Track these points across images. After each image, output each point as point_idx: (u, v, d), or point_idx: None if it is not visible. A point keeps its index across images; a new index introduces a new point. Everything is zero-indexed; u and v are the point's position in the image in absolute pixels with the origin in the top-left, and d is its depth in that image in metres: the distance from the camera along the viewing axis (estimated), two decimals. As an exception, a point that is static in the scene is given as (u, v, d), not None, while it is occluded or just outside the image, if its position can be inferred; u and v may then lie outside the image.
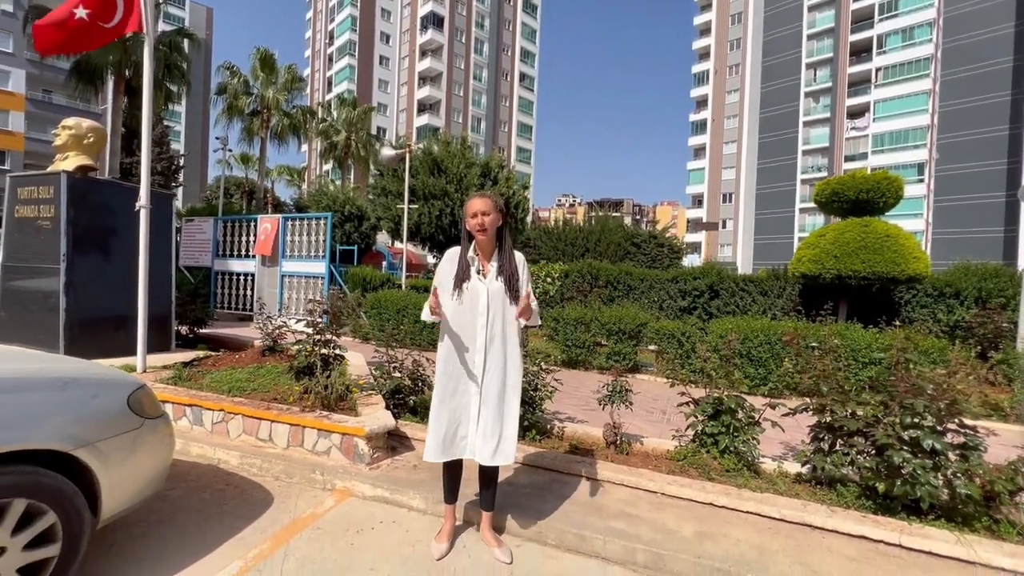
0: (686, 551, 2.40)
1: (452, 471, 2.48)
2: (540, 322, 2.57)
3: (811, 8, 45.44)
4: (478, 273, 2.38)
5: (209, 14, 60.62)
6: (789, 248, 40.24)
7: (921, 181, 38.27)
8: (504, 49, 57.94)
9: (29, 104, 33.71)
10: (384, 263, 21.35)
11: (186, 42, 18.31)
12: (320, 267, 9.64)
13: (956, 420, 2.67)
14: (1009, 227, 34.01)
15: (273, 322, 5.08)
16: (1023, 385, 5.84)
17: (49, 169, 5.12)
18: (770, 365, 6.15)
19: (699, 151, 54.20)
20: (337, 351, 4.16)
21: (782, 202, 46.52)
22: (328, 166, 39.04)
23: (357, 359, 5.16)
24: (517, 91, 58.77)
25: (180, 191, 37.22)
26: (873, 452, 2.80)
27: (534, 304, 2.41)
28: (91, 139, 5.27)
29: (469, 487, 2.71)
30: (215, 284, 11.08)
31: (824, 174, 41.98)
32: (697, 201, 54.43)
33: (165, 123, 30.37)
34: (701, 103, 54.19)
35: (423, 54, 53.11)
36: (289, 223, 10.15)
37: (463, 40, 54.25)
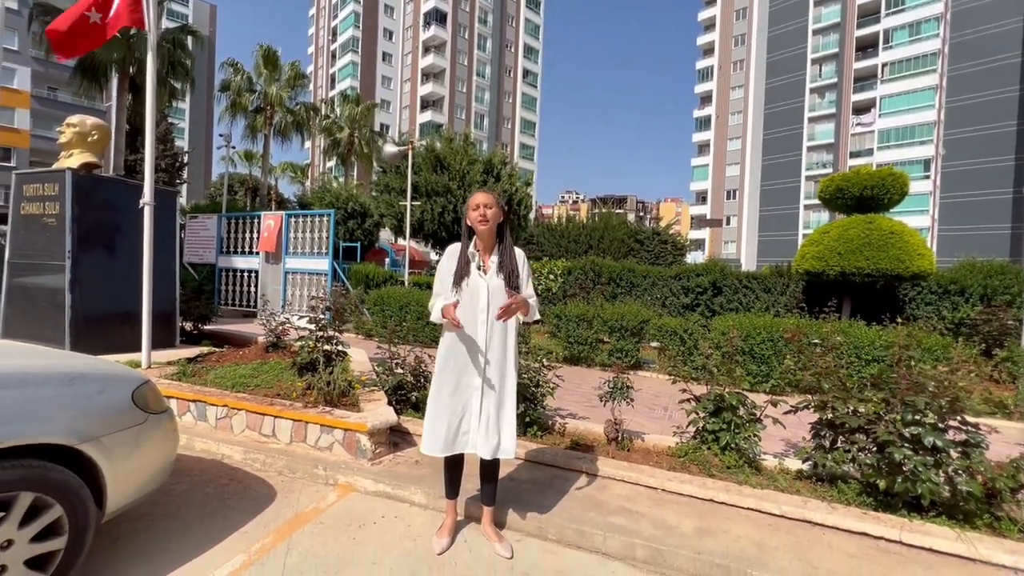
0: (686, 547, 2.41)
1: (453, 466, 2.49)
2: (539, 317, 2.58)
3: (817, 3, 45.04)
4: (479, 269, 2.39)
5: (212, 11, 60.62)
6: (793, 245, 40.03)
7: (927, 177, 37.98)
8: (507, 45, 57.74)
9: (34, 101, 33.84)
10: (387, 260, 21.40)
11: (189, 39, 18.33)
12: (323, 264, 9.67)
13: (958, 417, 2.67)
14: (1016, 224, 33.75)
15: (276, 318, 5.11)
16: (1028, 383, 5.81)
17: (54, 166, 5.16)
18: (772, 362, 6.14)
19: (703, 147, 53.96)
20: (340, 347, 4.18)
21: (787, 199, 46.27)
22: (331, 163, 39.08)
23: (360, 356, 5.18)
24: (520, 87, 58.59)
25: (184, 188, 37.37)
26: (874, 449, 2.80)
27: (533, 300, 2.42)
28: (95, 136, 5.30)
29: (470, 482, 2.73)
30: (219, 281, 11.14)
31: (829, 170, 41.74)
32: (701, 198, 54.21)
33: (169, 120, 30.47)
34: (705, 99, 53.90)
35: (426, 50, 52.99)
36: (292, 220, 10.18)
37: (466, 36, 54.10)
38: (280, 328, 5.06)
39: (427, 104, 53.29)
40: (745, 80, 50.00)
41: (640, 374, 7.09)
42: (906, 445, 2.60)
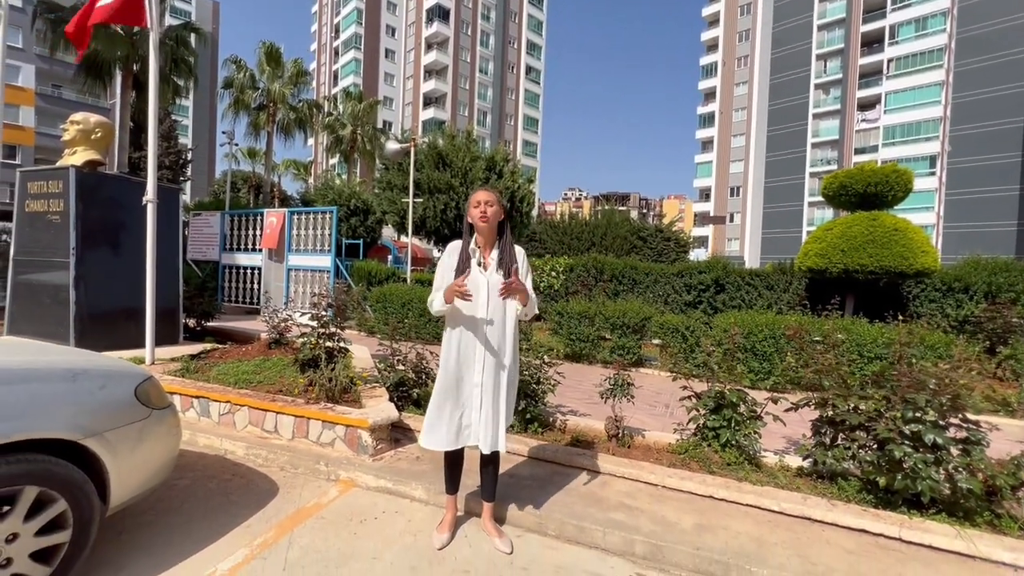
0: (685, 543, 2.42)
1: (454, 461, 2.51)
2: (536, 311, 2.58)
3: (822, -2, 44.76)
4: (479, 265, 2.41)
5: (215, 8, 60.68)
6: (797, 242, 39.84)
7: (933, 174, 37.72)
8: (510, 42, 57.54)
9: (39, 99, 33.99)
10: (390, 257, 21.43)
11: (192, 36, 18.31)
12: (326, 261, 9.70)
13: (959, 415, 2.66)
14: (1022, 221, 33.50)
15: (279, 315, 5.13)
16: (1031, 380, 5.79)
17: (58, 164, 5.19)
18: (774, 360, 6.13)
19: (707, 144, 53.72)
20: (341, 344, 4.20)
21: (791, 196, 46.06)
22: (334, 160, 39.09)
23: (362, 352, 5.20)
24: (523, 84, 58.41)
25: (188, 185, 37.46)
26: (874, 446, 2.80)
27: (532, 294, 2.42)
28: (99, 134, 5.32)
29: (471, 478, 2.74)
30: (222, 278, 11.19)
31: (834, 167, 41.52)
32: (704, 195, 54.02)
33: (173, 118, 30.52)
34: (709, 95, 53.62)
35: (429, 47, 52.87)
36: (295, 217, 10.21)
37: (469, 33, 53.93)
38: (283, 325, 5.08)
39: (430, 101, 53.20)
40: (749, 76, 49.71)
41: (642, 371, 7.09)
42: (906, 442, 2.60)
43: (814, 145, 45.18)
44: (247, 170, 37.11)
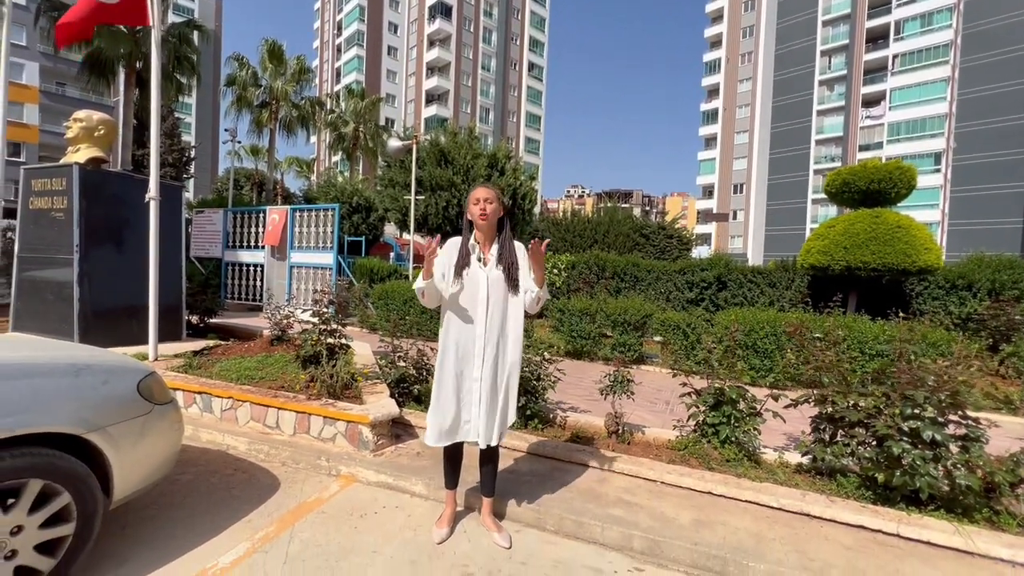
0: (683, 538, 2.43)
1: (453, 456, 2.53)
2: (548, 296, 2.57)
3: (827, -7, 44.44)
4: (479, 261, 2.41)
5: (218, 5, 60.67)
6: (801, 239, 39.60)
7: (938, 171, 37.48)
8: (513, 38, 57.38)
9: (43, 97, 34.10)
10: (392, 254, 21.45)
11: (195, 34, 18.34)
12: (328, 258, 9.73)
13: (958, 412, 2.66)
14: (1028, 218, 33.30)
15: (281, 312, 5.16)
16: (1034, 378, 5.77)
17: (61, 161, 5.22)
18: (776, 357, 6.13)
19: (710, 141, 53.51)
20: (343, 341, 4.22)
21: (794, 193, 45.86)
22: (337, 157, 39.15)
23: (364, 349, 5.22)
24: (526, 81, 58.27)
25: (191, 183, 37.56)
26: (874, 443, 2.80)
27: (532, 292, 2.42)
28: (102, 131, 5.35)
29: (470, 474, 2.76)
30: (225, 275, 11.23)
31: (838, 164, 41.25)
32: (708, 192, 53.85)
33: (176, 115, 30.59)
34: (712, 92, 53.37)
35: (431, 44, 52.76)
36: (297, 214, 10.23)
37: (471, 29, 53.81)
38: (285, 322, 5.10)
39: (432, 98, 53.14)
40: (753, 73, 49.44)
41: (643, 368, 7.10)
42: (905, 439, 2.60)
43: (818, 142, 44.93)
44: (250, 167, 37.21)
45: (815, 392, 3.10)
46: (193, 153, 31.14)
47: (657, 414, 4.83)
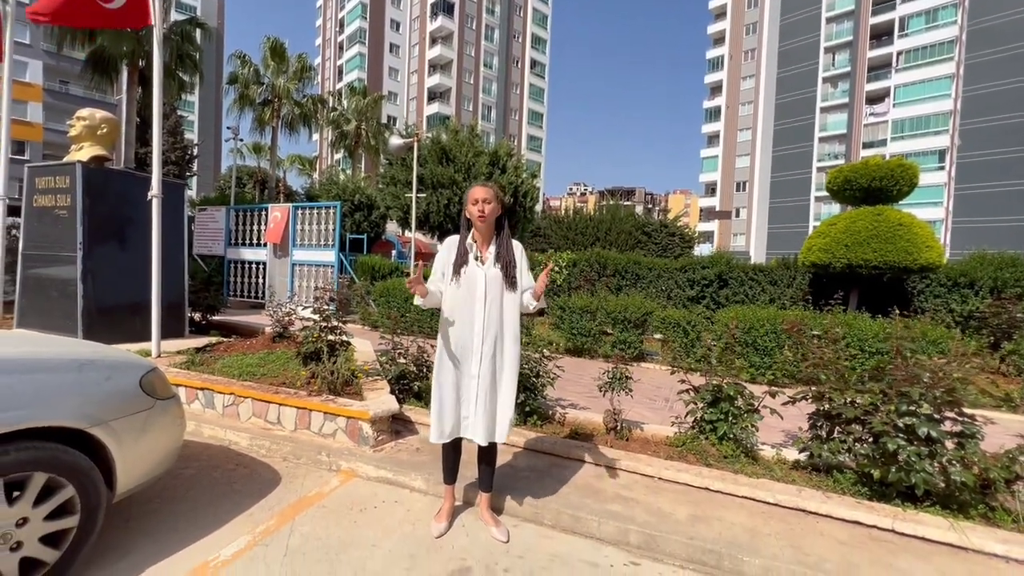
0: (679, 533, 2.45)
1: (452, 452, 2.55)
2: (544, 304, 2.60)
3: (831, -10, 44.18)
4: (476, 259, 2.44)
5: (220, 2, 60.60)
6: (804, 237, 39.16)
7: (942, 169, 37.30)
8: (515, 35, 57.27)
9: (46, 95, 34.22)
10: (393, 252, 21.49)
11: (198, 32, 18.36)
12: (330, 256, 9.76)
13: (955, 408, 2.67)
14: (1033, 215, 33.11)
15: (282, 309, 5.19)
16: (1034, 376, 5.76)
17: (65, 160, 5.25)
18: (775, 354, 6.14)
19: (713, 138, 53.33)
20: (343, 337, 4.25)
21: (797, 190, 45.70)
22: (339, 155, 39.17)
23: (365, 346, 5.25)
24: (528, 78, 58.17)
25: (194, 180, 37.64)
26: (870, 439, 2.82)
27: (530, 291, 2.46)
28: (105, 129, 5.38)
29: (469, 469, 2.79)
30: (228, 272, 11.29)
31: (841, 161, 41.09)
32: (710, 189, 53.70)
33: (179, 113, 30.65)
34: (715, 89, 53.17)
35: (433, 41, 52.71)
36: (299, 212, 10.27)
37: (473, 27, 53.72)
38: (287, 319, 5.14)
39: (434, 96, 53.11)
40: (756, 69, 49.22)
41: (643, 365, 7.12)
42: (900, 435, 2.62)
43: (821, 139, 44.75)
44: (252, 165, 37.29)
45: (812, 389, 3.11)
46: (196, 151, 31.20)
47: (656, 411, 4.85)
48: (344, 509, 2.69)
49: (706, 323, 6.95)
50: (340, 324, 4.26)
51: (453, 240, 2.51)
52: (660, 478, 3.06)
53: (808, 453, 3.08)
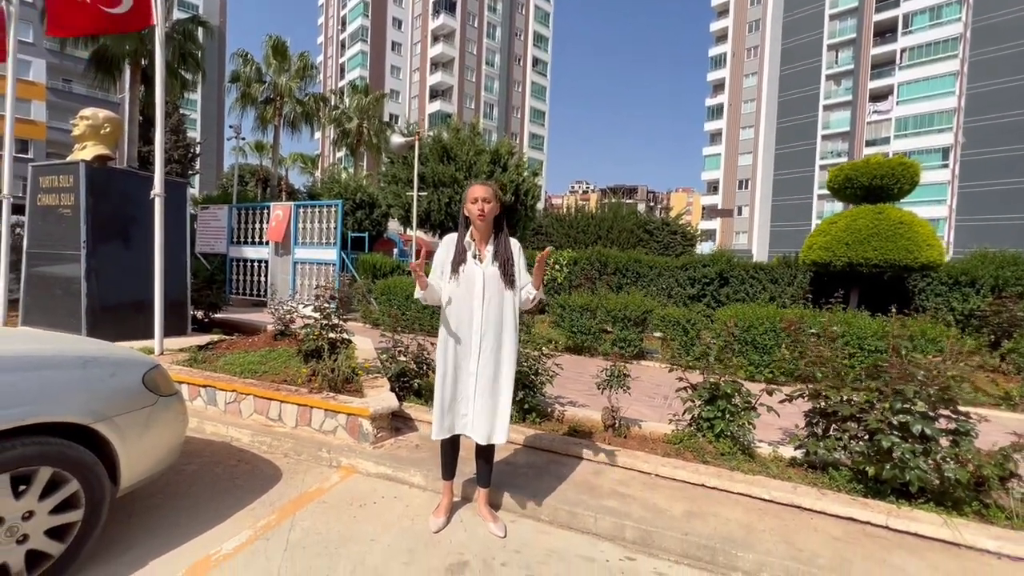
0: (674, 528, 2.48)
1: (450, 448, 2.58)
2: (543, 296, 2.63)
3: (834, -13, 43.98)
4: (474, 257, 2.46)
5: (222, 1, 60.73)
6: (806, 236, 39.35)
7: (946, 166, 37.17)
8: (517, 33, 57.17)
9: (50, 93, 34.39)
10: (395, 250, 21.54)
11: (200, 30, 18.42)
12: (331, 254, 9.80)
13: (950, 406, 2.69)
14: (1037, 214, 32.97)
15: (284, 307, 5.23)
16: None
17: (68, 159, 5.30)
18: (775, 352, 6.15)
19: (715, 136, 53.23)
20: (344, 335, 4.29)
21: (800, 188, 45.59)
22: (341, 154, 39.22)
23: (365, 344, 5.29)
24: (530, 76, 58.08)
25: (196, 179, 37.79)
26: (865, 437, 2.84)
27: (528, 288, 2.48)
28: (108, 129, 5.43)
29: (468, 465, 2.82)
30: (230, 271, 11.34)
31: (844, 159, 40.94)
32: (712, 187, 53.61)
33: (181, 111, 30.73)
34: (718, 87, 53.04)
35: (435, 39, 52.68)
36: (301, 210, 10.31)
37: (475, 25, 53.65)
38: (288, 317, 5.18)
39: (436, 94, 53.10)
40: (759, 67, 49.07)
41: (643, 363, 7.14)
42: (895, 433, 2.64)
43: (824, 137, 44.61)
44: (254, 163, 37.35)
45: (808, 387, 3.14)
46: (198, 149, 31.30)
47: (655, 409, 4.87)
48: (344, 504, 2.73)
49: (706, 321, 6.96)
50: (341, 322, 4.29)
51: (451, 238, 2.53)
52: (657, 475, 3.08)
53: (804, 450, 3.10)
